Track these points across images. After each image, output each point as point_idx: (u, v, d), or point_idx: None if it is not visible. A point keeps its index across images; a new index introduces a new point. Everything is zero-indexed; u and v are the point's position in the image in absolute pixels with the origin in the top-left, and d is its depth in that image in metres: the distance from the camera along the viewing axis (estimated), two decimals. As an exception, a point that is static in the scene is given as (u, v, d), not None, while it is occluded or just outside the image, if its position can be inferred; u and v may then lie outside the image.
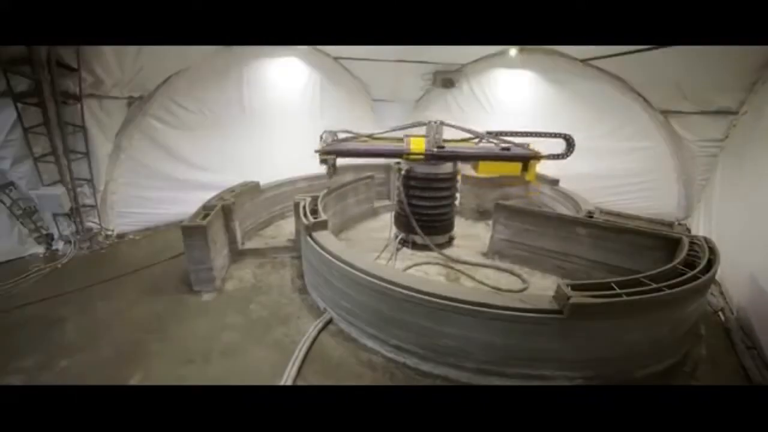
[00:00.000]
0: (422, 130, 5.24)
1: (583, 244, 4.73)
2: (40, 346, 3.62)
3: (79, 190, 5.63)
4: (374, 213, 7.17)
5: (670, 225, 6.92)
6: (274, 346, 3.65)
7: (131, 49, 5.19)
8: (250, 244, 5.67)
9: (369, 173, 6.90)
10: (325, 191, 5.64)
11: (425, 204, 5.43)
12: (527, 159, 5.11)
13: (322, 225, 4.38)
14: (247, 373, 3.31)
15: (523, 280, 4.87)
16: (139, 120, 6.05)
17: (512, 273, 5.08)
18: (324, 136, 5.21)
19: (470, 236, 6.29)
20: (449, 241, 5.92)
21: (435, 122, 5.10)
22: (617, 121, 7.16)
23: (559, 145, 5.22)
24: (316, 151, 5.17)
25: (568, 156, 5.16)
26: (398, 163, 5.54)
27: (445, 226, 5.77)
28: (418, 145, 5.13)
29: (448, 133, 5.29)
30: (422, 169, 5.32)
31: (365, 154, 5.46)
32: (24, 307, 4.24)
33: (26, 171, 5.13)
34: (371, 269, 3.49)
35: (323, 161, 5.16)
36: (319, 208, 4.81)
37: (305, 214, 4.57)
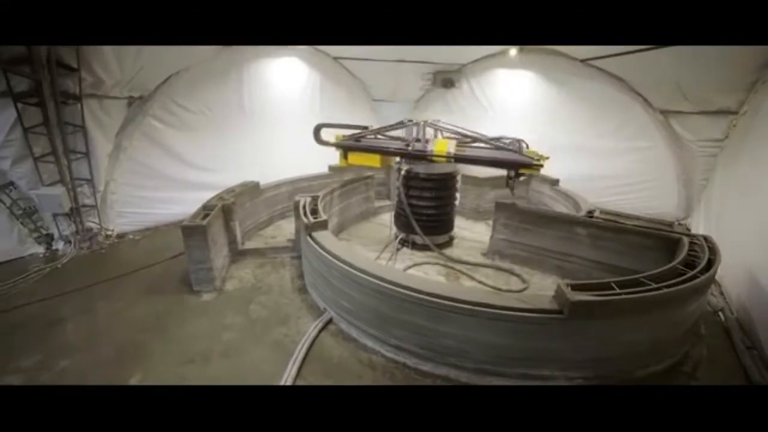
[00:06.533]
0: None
1: (583, 244, 4.73)
2: (40, 346, 3.61)
3: (79, 190, 5.62)
4: (374, 213, 7.16)
5: (670, 225, 6.92)
6: (274, 346, 3.65)
7: (131, 49, 5.18)
8: (250, 244, 5.67)
9: (369, 173, 6.89)
10: (325, 191, 5.64)
11: (425, 204, 5.43)
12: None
13: (322, 225, 4.38)
14: (247, 373, 3.31)
15: (523, 280, 4.87)
16: (139, 120, 6.05)
17: (512, 273, 5.07)
18: None
19: (470, 236, 6.29)
20: (449, 241, 5.92)
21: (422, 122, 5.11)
22: (617, 121, 7.17)
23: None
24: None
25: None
26: (398, 162, 5.54)
27: (445, 226, 5.76)
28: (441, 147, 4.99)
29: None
30: (422, 169, 5.31)
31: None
32: (24, 307, 4.24)
33: (26, 171, 5.12)
34: (371, 269, 3.48)
35: None
36: (319, 207, 4.81)
37: (305, 214, 4.57)
